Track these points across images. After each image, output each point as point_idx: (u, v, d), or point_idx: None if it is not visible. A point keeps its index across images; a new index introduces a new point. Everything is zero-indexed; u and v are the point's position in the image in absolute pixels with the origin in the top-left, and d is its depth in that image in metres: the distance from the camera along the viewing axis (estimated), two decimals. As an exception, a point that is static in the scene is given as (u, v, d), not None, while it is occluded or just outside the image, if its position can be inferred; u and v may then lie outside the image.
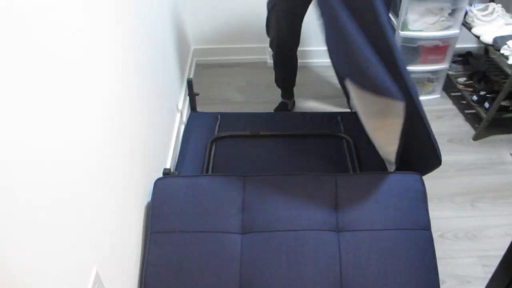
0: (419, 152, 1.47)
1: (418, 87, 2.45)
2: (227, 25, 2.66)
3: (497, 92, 2.09)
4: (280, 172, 1.48)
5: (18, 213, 0.69)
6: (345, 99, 2.22)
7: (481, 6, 2.28)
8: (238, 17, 2.62)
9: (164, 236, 1.34)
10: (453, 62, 2.45)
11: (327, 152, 1.74)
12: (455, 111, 2.36)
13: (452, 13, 2.23)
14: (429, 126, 1.34)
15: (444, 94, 2.48)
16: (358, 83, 1.26)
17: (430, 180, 1.90)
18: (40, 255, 0.76)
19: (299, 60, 2.19)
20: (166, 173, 1.58)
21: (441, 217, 1.76)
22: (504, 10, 2.22)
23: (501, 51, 2.02)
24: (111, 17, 1.18)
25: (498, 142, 2.14)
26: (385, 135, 1.37)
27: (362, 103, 1.34)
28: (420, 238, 1.35)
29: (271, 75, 2.25)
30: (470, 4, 2.29)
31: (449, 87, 2.49)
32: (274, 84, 2.29)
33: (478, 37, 2.17)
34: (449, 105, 2.41)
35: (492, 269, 0.95)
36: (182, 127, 2.15)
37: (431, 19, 2.22)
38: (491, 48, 2.11)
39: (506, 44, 2.01)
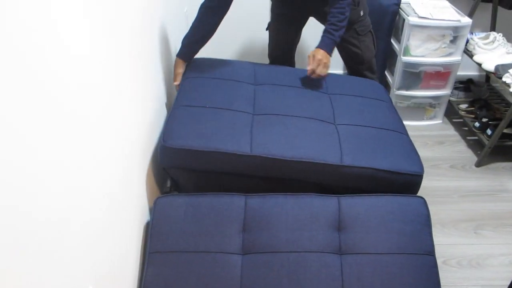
0: None
1: (420, 112, 2.45)
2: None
3: (499, 120, 2.10)
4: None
5: (13, 228, 0.67)
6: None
7: (483, 34, 2.31)
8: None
9: (162, 256, 1.30)
10: (455, 88, 2.47)
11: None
12: (457, 137, 2.35)
13: (454, 40, 2.25)
14: None
15: (446, 120, 2.49)
16: None
17: (433, 206, 1.87)
18: (35, 272, 0.73)
19: None
20: (166, 192, 1.55)
21: (444, 244, 1.73)
22: (505, 39, 2.24)
23: (503, 79, 2.03)
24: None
25: (500, 170, 2.13)
26: None
27: None
28: (425, 264, 1.31)
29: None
30: (472, 33, 2.32)
31: (451, 113, 2.50)
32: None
33: (479, 64, 2.19)
34: (451, 131, 2.41)
35: (498, 298, 0.91)
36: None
37: (433, 45, 2.24)
38: (492, 76, 2.12)
39: (508, 72, 2.02)
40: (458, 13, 2.26)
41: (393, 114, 1.73)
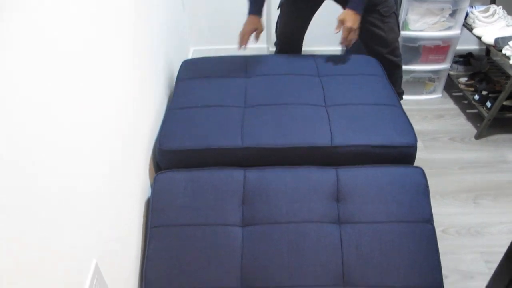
0: None
1: (419, 86, 2.46)
2: (226, 26, 2.68)
3: (499, 92, 2.10)
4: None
5: (21, 201, 0.70)
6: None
7: (482, 8, 2.29)
8: (238, 18, 2.64)
9: (164, 230, 1.33)
10: (454, 62, 2.47)
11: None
12: (457, 111, 2.36)
13: (453, 14, 2.24)
14: None
15: (446, 94, 2.49)
16: None
17: (433, 178, 1.90)
18: (41, 243, 0.76)
19: None
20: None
21: (444, 214, 1.75)
22: (505, 12, 2.23)
23: (503, 51, 2.03)
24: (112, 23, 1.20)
25: (500, 141, 2.14)
26: None
27: None
28: (423, 231, 1.34)
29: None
30: (471, 6, 2.31)
31: (450, 87, 2.50)
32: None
33: (479, 38, 2.18)
34: (450, 104, 2.41)
35: (495, 265, 0.95)
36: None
37: (431, 19, 2.23)
38: (492, 49, 2.11)
39: (507, 44, 2.02)
40: (457, -15, 2.24)
41: (385, 87, 1.74)
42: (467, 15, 2.27)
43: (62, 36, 0.86)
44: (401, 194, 1.38)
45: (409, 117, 1.58)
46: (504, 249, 1.62)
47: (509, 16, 2.23)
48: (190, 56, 2.66)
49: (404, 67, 2.38)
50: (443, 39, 2.29)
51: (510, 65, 1.96)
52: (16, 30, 0.70)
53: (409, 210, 1.36)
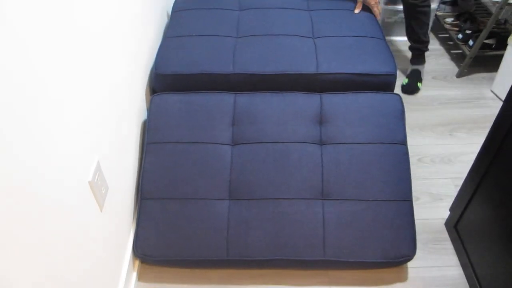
0: None
1: (407, 27, 2.50)
2: None
3: (482, 31, 2.16)
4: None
5: (36, 109, 0.78)
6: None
7: None
8: None
9: (159, 146, 1.44)
10: (442, 3, 2.50)
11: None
12: (442, 51, 2.43)
13: (443, -48, 2.25)
14: None
15: (432, 35, 2.55)
16: None
17: (414, 113, 2.01)
18: (50, 135, 0.85)
19: None
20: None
21: (421, 144, 1.87)
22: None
23: (487, -11, 2.07)
24: None
25: (480, 79, 2.23)
26: None
27: None
28: (397, 151, 1.46)
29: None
30: None
31: (437, 28, 2.55)
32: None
33: (466, -24, 2.21)
34: (435, 45, 2.48)
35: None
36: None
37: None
38: (478, -12, 2.15)
39: (492, -19, 2.06)
40: None
41: (371, 21, 1.81)
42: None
43: None
44: (379, 118, 1.49)
45: (395, 57, 1.66)
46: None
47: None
48: None
49: (392, 7, 2.42)
50: (432, -22, 2.31)
51: (492, 2, 2.01)
52: None
53: (386, 132, 1.47)
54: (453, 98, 2.12)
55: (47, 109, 0.84)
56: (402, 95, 2.10)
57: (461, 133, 1.94)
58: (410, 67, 2.20)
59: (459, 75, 2.24)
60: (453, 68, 2.31)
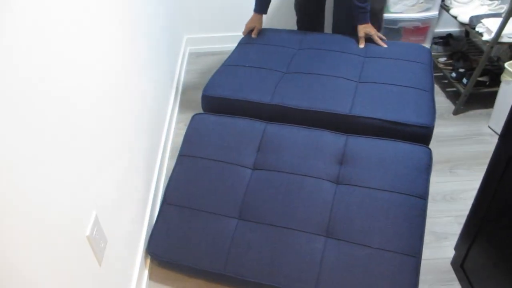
0: None
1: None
2: (219, 14, 2.78)
3: (475, 70, 2.20)
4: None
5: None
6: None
7: (459, -11, 2.39)
8: (230, 5, 2.74)
9: (188, 159, 1.60)
10: (435, 43, 2.57)
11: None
12: (437, 90, 2.47)
13: (431, -4, 2.35)
14: None
15: (426, 74, 2.60)
16: None
17: (412, 151, 2.01)
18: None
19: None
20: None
21: (421, 182, 1.86)
22: (480, -8, 2.33)
23: (476, 29, 2.13)
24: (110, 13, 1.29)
25: (477, 116, 2.25)
26: None
27: None
28: (413, 204, 1.41)
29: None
30: (448, -12, 2.41)
31: (431, 67, 2.60)
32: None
33: (455, 17, 2.29)
34: (431, 84, 2.52)
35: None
36: (175, 115, 2.25)
37: (410, 1, 2.34)
38: (467, 28, 2.22)
39: (480, 22, 2.13)
40: (434, -32, 2.35)
41: (426, 74, 1.82)
42: (444, -3, 2.37)
43: None
44: (400, 167, 1.47)
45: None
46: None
47: (484, -4, 2.33)
48: (183, 46, 2.76)
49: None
50: (422, 21, 2.40)
51: (483, 41, 2.07)
52: None
53: (405, 183, 1.44)
54: (451, 135, 2.13)
55: (45, 163, 0.86)
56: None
57: (462, 170, 1.93)
58: None
59: (456, 112, 2.26)
60: (449, 105, 2.34)
